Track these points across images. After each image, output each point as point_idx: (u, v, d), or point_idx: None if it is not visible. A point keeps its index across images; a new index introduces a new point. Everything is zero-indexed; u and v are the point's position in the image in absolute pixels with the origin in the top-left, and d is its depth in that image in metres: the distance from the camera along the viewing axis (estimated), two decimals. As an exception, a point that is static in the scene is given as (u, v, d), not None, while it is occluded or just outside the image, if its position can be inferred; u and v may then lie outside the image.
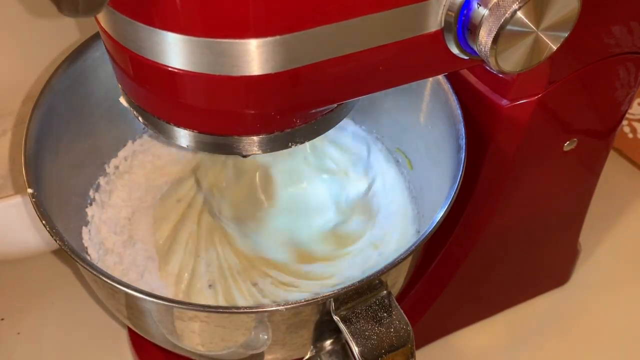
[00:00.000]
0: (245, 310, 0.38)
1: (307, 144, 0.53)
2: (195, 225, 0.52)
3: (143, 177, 0.55)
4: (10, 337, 0.58)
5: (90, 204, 0.52)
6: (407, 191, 0.53)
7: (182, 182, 0.55)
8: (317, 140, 0.53)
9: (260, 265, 0.50)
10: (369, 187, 0.54)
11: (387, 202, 0.53)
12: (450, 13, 0.32)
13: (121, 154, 0.55)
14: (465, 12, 0.32)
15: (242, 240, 0.51)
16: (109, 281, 0.38)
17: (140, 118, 0.36)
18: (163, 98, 0.33)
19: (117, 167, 0.54)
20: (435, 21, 0.33)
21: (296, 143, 0.35)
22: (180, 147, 0.55)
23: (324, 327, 0.41)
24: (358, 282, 0.38)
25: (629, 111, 0.67)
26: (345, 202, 0.53)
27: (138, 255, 0.51)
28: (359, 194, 0.53)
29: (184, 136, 0.35)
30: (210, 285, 0.49)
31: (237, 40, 0.29)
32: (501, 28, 0.31)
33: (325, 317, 0.40)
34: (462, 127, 0.44)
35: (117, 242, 0.52)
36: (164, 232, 0.52)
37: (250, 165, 0.54)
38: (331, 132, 0.53)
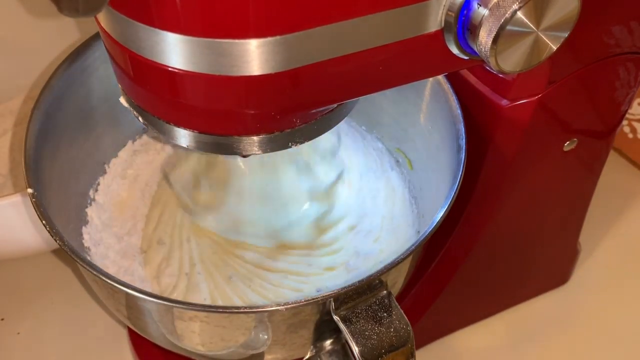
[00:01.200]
0: (245, 310, 0.38)
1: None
2: (173, 223, 0.52)
3: (143, 177, 0.55)
4: (10, 337, 0.58)
5: (90, 204, 0.52)
6: (407, 191, 0.53)
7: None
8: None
9: (238, 249, 0.50)
10: (339, 176, 0.53)
11: (388, 202, 0.53)
12: (450, 13, 0.32)
13: (121, 154, 0.55)
14: (465, 12, 0.32)
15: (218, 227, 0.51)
16: (109, 281, 0.38)
17: (140, 118, 0.36)
18: (163, 98, 0.33)
19: (117, 167, 0.54)
20: (435, 21, 0.33)
21: (296, 143, 0.35)
22: (181, 147, 0.55)
23: (324, 327, 0.41)
24: (358, 282, 0.38)
25: (629, 111, 0.67)
26: (318, 191, 0.53)
27: (137, 255, 0.51)
28: (329, 183, 0.53)
29: (184, 136, 0.35)
30: (186, 273, 0.49)
31: (237, 41, 0.29)
32: (501, 28, 0.31)
33: (325, 317, 0.40)
34: (462, 127, 0.44)
35: (117, 242, 0.52)
36: (147, 230, 0.52)
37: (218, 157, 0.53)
38: None
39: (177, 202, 0.54)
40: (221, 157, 0.52)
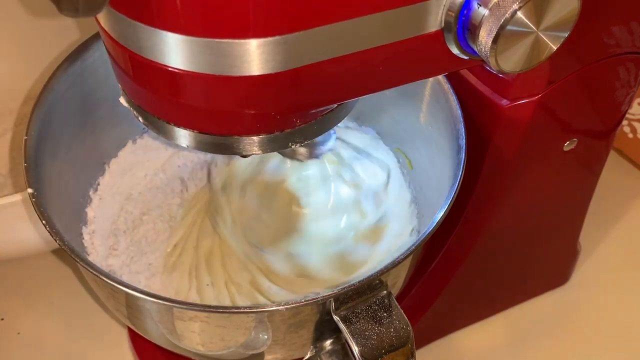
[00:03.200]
0: (245, 310, 0.38)
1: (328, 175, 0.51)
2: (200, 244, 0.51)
3: (143, 177, 0.55)
4: (10, 337, 0.58)
5: (90, 204, 0.52)
6: (407, 191, 0.53)
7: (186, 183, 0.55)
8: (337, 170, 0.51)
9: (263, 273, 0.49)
10: (381, 217, 0.52)
11: (388, 202, 0.53)
12: (450, 13, 0.32)
13: (121, 154, 0.55)
14: (465, 12, 0.32)
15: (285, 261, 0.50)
16: (109, 281, 0.38)
17: (140, 118, 0.36)
18: (163, 98, 0.33)
19: (117, 167, 0.54)
20: (435, 21, 0.33)
21: (296, 143, 0.35)
22: (181, 147, 0.55)
23: (324, 327, 0.41)
24: (358, 282, 0.38)
25: (629, 111, 0.67)
26: (357, 231, 0.51)
27: (137, 255, 0.51)
28: (370, 224, 0.51)
29: (184, 136, 0.35)
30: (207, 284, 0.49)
31: (237, 41, 0.29)
32: (501, 28, 0.31)
33: (325, 317, 0.40)
34: (462, 127, 0.44)
35: (116, 242, 0.52)
36: (172, 241, 0.52)
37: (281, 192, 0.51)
38: (353, 159, 0.52)
39: (205, 207, 0.53)
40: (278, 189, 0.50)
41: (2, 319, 0.59)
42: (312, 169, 0.50)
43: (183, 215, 0.53)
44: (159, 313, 0.40)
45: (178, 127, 0.34)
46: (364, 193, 0.51)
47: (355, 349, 0.38)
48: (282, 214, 0.50)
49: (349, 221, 0.50)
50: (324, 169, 0.50)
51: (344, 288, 0.38)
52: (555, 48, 0.34)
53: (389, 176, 0.53)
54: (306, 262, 0.49)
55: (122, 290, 0.38)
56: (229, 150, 0.35)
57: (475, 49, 0.33)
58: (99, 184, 0.53)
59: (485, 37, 0.32)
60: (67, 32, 0.60)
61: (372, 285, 0.39)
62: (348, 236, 0.50)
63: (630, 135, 0.67)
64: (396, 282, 0.44)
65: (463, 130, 0.44)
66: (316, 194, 0.50)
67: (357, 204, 0.51)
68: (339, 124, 0.37)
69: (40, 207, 0.41)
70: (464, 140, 0.44)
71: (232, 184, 0.51)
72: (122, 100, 0.36)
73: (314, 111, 0.35)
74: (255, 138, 0.34)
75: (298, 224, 0.50)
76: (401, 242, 0.50)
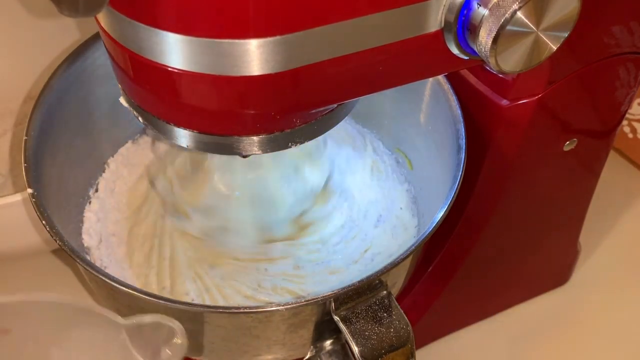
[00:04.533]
0: (245, 310, 0.38)
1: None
2: (157, 226, 0.52)
3: (143, 177, 0.55)
4: (10, 337, 0.58)
5: (90, 204, 0.52)
6: (407, 191, 0.53)
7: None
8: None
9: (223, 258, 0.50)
10: (328, 179, 0.53)
11: (388, 202, 0.53)
12: (450, 13, 0.32)
13: (121, 153, 0.55)
14: (465, 12, 0.32)
15: (205, 240, 0.51)
16: (108, 281, 0.38)
17: (140, 118, 0.36)
18: (163, 98, 0.33)
19: (117, 167, 0.54)
20: (435, 21, 0.33)
21: (296, 143, 0.35)
22: (181, 147, 0.55)
23: (324, 327, 0.41)
24: (358, 282, 0.38)
25: (629, 111, 0.67)
26: (305, 192, 0.52)
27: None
28: (319, 185, 0.53)
29: (184, 136, 0.35)
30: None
31: (237, 41, 0.29)
32: (501, 28, 0.31)
33: (325, 317, 0.40)
34: (462, 127, 0.44)
35: (116, 242, 0.52)
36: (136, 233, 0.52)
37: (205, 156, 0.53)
38: None
39: (161, 204, 0.53)
40: (207, 158, 0.51)
41: (2, 319, 0.59)
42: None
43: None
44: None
45: (178, 127, 0.34)
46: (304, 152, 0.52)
47: (355, 349, 0.38)
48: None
49: (298, 181, 0.51)
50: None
51: (344, 288, 0.38)
52: (555, 48, 0.34)
53: (324, 140, 0.53)
54: (268, 229, 0.50)
55: (122, 290, 0.38)
56: (229, 150, 0.35)
57: (475, 49, 0.33)
58: (98, 184, 0.53)
59: (485, 37, 0.32)
60: (67, 32, 0.60)
61: (372, 285, 0.39)
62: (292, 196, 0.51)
63: (630, 136, 0.67)
64: (396, 282, 0.44)
65: (463, 130, 0.44)
66: (244, 178, 0.51)
67: (300, 163, 0.52)
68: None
69: (40, 207, 0.41)
70: (464, 140, 0.44)
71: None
72: (122, 100, 0.36)
73: (314, 111, 0.35)
74: (255, 138, 0.34)
75: (250, 189, 0.51)
76: (401, 242, 0.50)
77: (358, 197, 0.53)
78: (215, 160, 0.51)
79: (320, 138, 0.52)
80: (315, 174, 0.52)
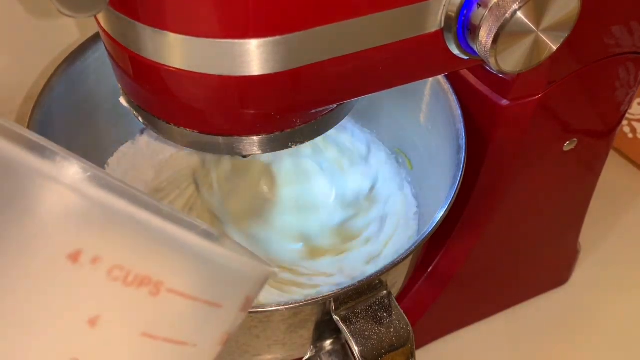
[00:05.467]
0: (245, 310, 0.38)
1: (308, 145, 0.53)
2: None
3: (143, 177, 0.55)
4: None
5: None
6: (407, 191, 0.53)
7: (181, 184, 0.55)
8: (319, 140, 0.53)
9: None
10: (372, 187, 0.53)
11: (387, 202, 0.53)
12: (450, 13, 0.32)
13: (121, 153, 0.55)
14: (465, 12, 0.32)
15: (245, 243, 0.51)
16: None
17: (140, 118, 0.36)
18: (163, 98, 0.33)
19: (117, 167, 0.54)
20: (435, 21, 0.33)
21: (296, 143, 0.35)
22: (181, 147, 0.55)
23: (324, 327, 0.41)
24: (358, 282, 0.38)
25: (629, 111, 0.67)
26: (348, 199, 0.53)
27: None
28: (362, 192, 0.53)
29: (184, 136, 0.35)
30: None
31: (237, 41, 0.29)
32: (501, 28, 0.31)
33: (325, 317, 0.40)
34: (462, 127, 0.44)
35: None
36: None
37: (251, 163, 0.53)
38: (332, 132, 0.53)
39: (191, 210, 0.53)
40: (248, 162, 0.52)
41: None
42: (287, 159, 0.52)
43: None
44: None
45: (178, 127, 0.34)
46: (338, 197, 0.53)
47: (355, 349, 0.38)
48: (252, 192, 0.51)
49: (316, 221, 0.51)
50: (300, 164, 0.52)
51: (344, 288, 0.38)
52: (555, 48, 0.34)
53: (373, 187, 0.54)
54: (266, 249, 0.50)
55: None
56: (229, 150, 0.35)
57: (475, 49, 0.33)
58: (98, 184, 0.53)
59: (485, 37, 0.32)
60: (67, 32, 0.60)
61: (372, 285, 0.39)
62: (312, 236, 0.51)
63: (630, 135, 0.67)
64: (396, 282, 0.44)
65: (463, 130, 0.44)
66: (289, 188, 0.52)
67: (326, 206, 0.52)
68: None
69: (40, 207, 0.41)
70: (464, 140, 0.44)
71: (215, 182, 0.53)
72: (122, 100, 0.36)
73: (313, 111, 0.35)
74: (255, 138, 0.34)
75: (265, 210, 0.51)
76: (401, 242, 0.50)
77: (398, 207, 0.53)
78: (259, 166, 0.52)
79: (363, 146, 0.53)
80: (357, 181, 0.53)
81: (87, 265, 0.24)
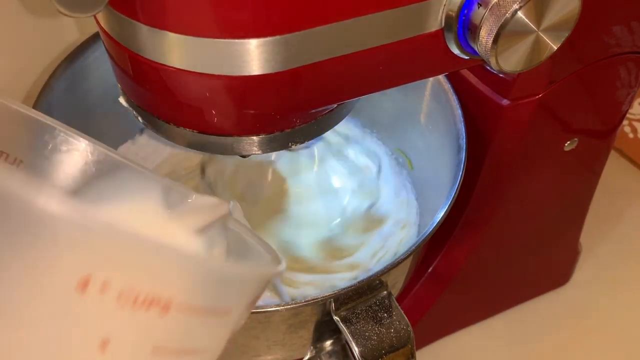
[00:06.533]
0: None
1: (316, 160, 0.53)
2: None
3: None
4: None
5: (90, 204, 0.52)
6: (407, 191, 0.53)
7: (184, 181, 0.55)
8: (327, 156, 0.53)
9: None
10: (371, 205, 0.53)
11: (387, 202, 0.53)
12: (450, 13, 0.32)
13: (121, 153, 0.55)
14: (465, 12, 0.32)
15: None
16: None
17: (139, 118, 0.36)
18: (162, 98, 0.33)
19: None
20: (435, 21, 0.33)
21: (296, 143, 0.35)
22: (180, 147, 0.55)
23: (324, 328, 0.41)
24: (358, 282, 0.38)
25: (630, 111, 0.67)
26: (344, 217, 0.52)
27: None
28: (360, 211, 0.52)
29: (183, 136, 0.35)
30: None
31: (237, 40, 0.29)
32: (501, 28, 0.31)
33: (326, 317, 0.39)
34: (462, 127, 0.44)
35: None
36: None
37: (258, 169, 0.53)
38: (343, 146, 0.53)
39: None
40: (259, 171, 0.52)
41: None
42: (302, 153, 0.52)
43: None
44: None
45: (178, 127, 0.34)
46: (353, 180, 0.53)
47: (356, 349, 0.38)
48: (270, 194, 0.51)
49: (335, 205, 0.51)
50: (312, 153, 0.52)
51: (344, 288, 0.38)
52: (555, 48, 0.34)
53: (380, 168, 0.54)
54: (296, 249, 0.50)
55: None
56: (229, 150, 0.35)
57: (476, 48, 0.33)
58: (98, 184, 0.53)
59: (485, 37, 0.32)
60: (67, 32, 0.60)
61: (372, 285, 0.39)
62: (335, 221, 0.51)
63: (631, 135, 0.67)
64: (396, 282, 0.44)
65: (463, 130, 0.44)
66: (304, 176, 0.52)
67: (344, 190, 0.52)
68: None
69: (40, 207, 0.41)
70: (464, 140, 0.44)
71: (224, 170, 0.53)
72: (122, 100, 0.36)
73: (313, 111, 0.35)
74: (255, 138, 0.34)
75: (284, 204, 0.51)
76: (401, 242, 0.50)
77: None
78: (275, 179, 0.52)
79: (374, 164, 0.53)
80: (357, 199, 0.52)
81: (96, 294, 0.24)
